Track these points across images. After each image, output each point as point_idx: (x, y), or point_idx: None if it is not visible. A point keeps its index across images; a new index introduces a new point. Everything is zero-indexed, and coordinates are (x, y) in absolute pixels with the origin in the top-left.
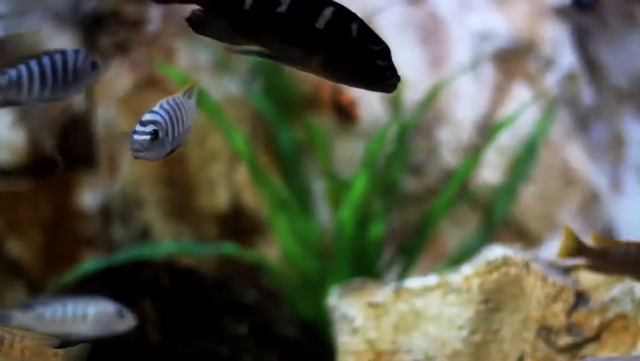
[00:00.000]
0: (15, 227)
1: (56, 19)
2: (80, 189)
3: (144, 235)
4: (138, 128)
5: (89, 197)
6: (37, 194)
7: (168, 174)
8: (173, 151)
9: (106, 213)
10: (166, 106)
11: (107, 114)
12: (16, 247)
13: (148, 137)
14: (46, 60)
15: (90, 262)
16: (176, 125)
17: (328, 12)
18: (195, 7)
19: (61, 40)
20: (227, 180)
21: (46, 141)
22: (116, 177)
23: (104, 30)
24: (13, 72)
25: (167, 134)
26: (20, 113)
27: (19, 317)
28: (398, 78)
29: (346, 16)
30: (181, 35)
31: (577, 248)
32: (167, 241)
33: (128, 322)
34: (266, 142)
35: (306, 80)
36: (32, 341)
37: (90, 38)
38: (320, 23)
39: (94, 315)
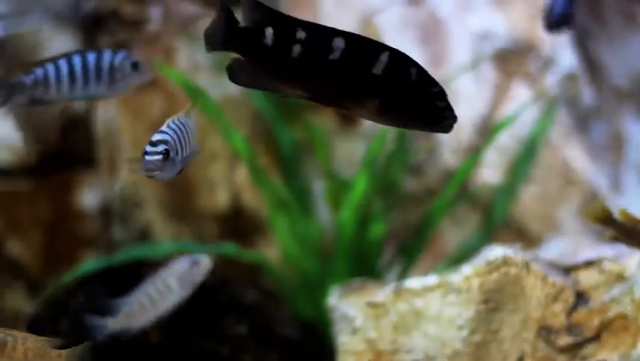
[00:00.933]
0: (15, 227)
1: (56, 19)
2: (80, 189)
3: (144, 235)
4: (149, 148)
5: (89, 197)
6: (37, 194)
7: None
8: (181, 171)
9: (106, 213)
10: (173, 126)
11: (107, 114)
12: (16, 247)
13: (160, 156)
14: (76, 59)
15: (90, 262)
16: (183, 144)
17: (385, 57)
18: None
19: (61, 40)
20: (227, 180)
21: (27, 138)
22: (116, 177)
23: (104, 30)
24: (39, 71)
25: (176, 153)
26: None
27: (113, 323)
28: (455, 118)
29: (403, 59)
30: (181, 35)
31: (604, 218)
32: (167, 241)
33: (204, 266)
34: (266, 142)
35: None
36: (35, 343)
37: (90, 38)
38: (377, 69)
39: (176, 281)
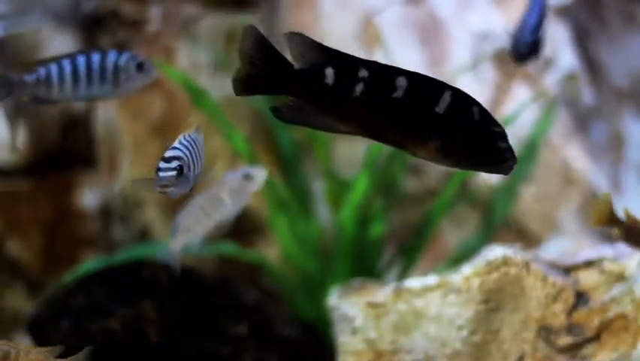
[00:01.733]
0: (15, 227)
1: (56, 19)
2: (80, 189)
3: (144, 235)
4: (163, 165)
5: (89, 197)
6: (37, 194)
7: None
8: (193, 188)
9: (106, 213)
10: (184, 142)
11: (107, 114)
12: (16, 247)
13: (174, 172)
14: (80, 59)
15: (90, 262)
16: (195, 160)
17: (448, 96)
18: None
19: (61, 40)
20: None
21: (14, 133)
22: (116, 177)
23: (104, 30)
24: (42, 71)
25: (189, 169)
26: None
27: (174, 243)
28: (516, 160)
29: (466, 99)
30: (181, 35)
31: (610, 218)
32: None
33: (258, 179)
34: (266, 142)
35: None
36: (37, 355)
37: (90, 38)
38: (441, 108)
39: (228, 195)
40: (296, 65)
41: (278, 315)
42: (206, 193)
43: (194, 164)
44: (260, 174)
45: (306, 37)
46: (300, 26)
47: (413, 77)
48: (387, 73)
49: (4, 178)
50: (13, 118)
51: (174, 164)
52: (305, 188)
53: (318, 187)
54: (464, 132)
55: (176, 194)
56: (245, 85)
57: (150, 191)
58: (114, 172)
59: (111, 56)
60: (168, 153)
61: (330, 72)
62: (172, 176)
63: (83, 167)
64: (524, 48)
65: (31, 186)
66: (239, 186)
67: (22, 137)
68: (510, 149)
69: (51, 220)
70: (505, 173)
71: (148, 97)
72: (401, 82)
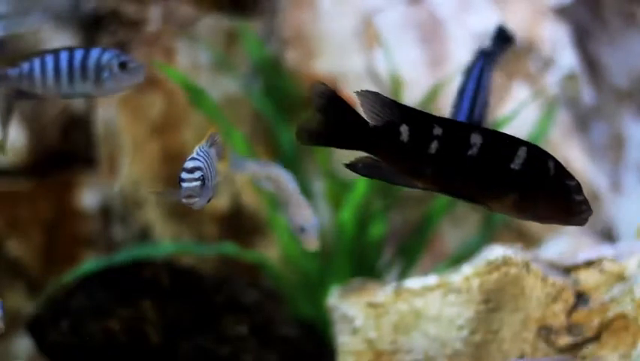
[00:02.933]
0: (15, 227)
1: (56, 19)
2: (80, 189)
3: (144, 235)
4: (186, 175)
5: (89, 197)
6: (37, 194)
7: (168, 174)
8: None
9: (106, 213)
10: (202, 152)
11: (107, 114)
12: (16, 247)
13: (198, 183)
14: (63, 55)
15: (90, 262)
16: (212, 170)
17: (523, 152)
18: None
19: (61, 40)
20: (227, 180)
21: (6, 130)
22: (115, 177)
23: (103, 30)
24: (25, 65)
25: (209, 179)
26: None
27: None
28: (591, 211)
29: (541, 154)
30: (181, 35)
31: None
32: (167, 241)
33: (306, 239)
34: (266, 142)
35: (306, 79)
36: None
37: (90, 38)
38: (516, 164)
39: (286, 212)
40: (370, 123)
41: (278, 315)
42: (283, 183)
43: (211, 174)
44: (310, 240)
45: (380, 95)
46: (299, 26)
47: (487, 134)
48: (462, 130)
49: (4, 178)
50: (4, 115)
51: (197, 174)
52: (305, 188)
53: (318, 187)
54: (540, 187)
55: (200, 205)
56: (314, 137)
57: (175, 201)
58: (114, 172)
59: (93, 54)
60: (189, 164)
61: (404, 129)
62: (196, 186)
63: (83, 167)
64: None
65: (31, 186)
66: (293, 225)
67: (14, 135)
68: (585, 201)
69: (51, 220)
70: (581, 224)
71: (148, 97)
72: (476, 139)
